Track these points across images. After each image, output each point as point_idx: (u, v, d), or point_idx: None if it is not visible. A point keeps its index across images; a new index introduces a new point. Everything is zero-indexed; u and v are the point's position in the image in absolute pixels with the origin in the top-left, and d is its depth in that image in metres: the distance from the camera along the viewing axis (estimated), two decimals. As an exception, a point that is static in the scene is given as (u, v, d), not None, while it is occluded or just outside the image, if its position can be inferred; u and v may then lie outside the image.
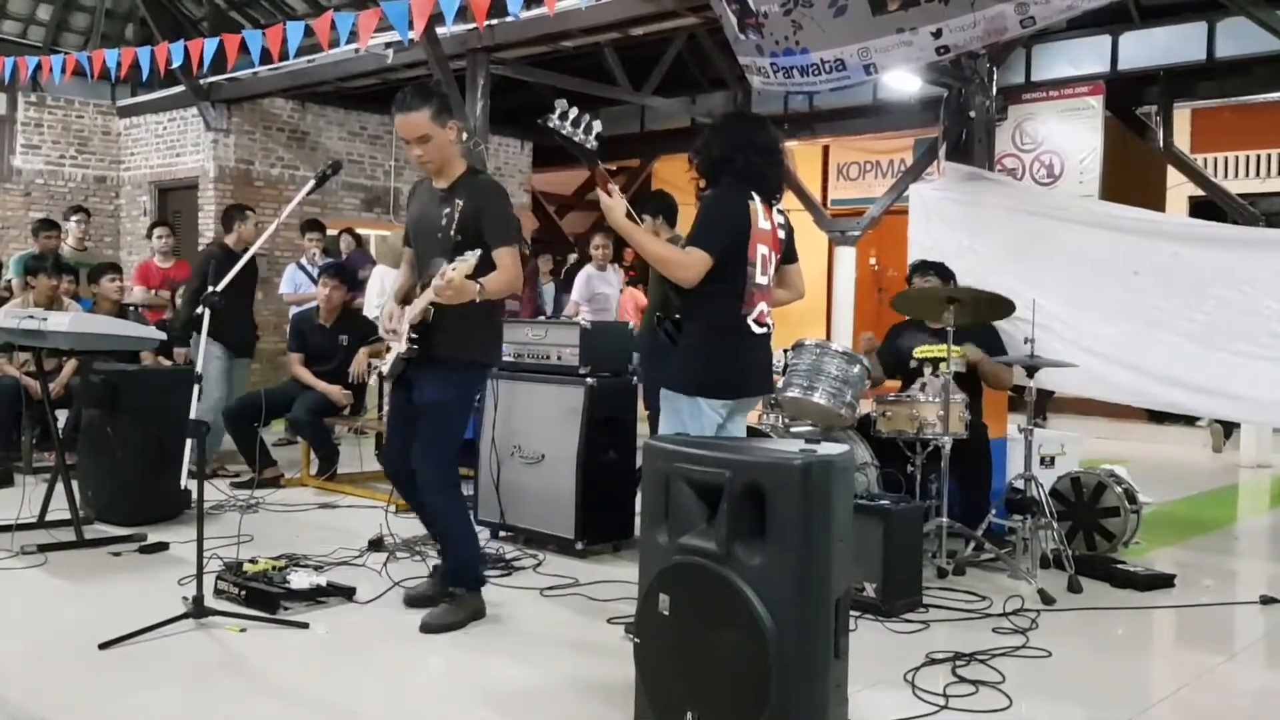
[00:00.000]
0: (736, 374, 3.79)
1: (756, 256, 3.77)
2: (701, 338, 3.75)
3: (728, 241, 3.70)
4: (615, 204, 3.66)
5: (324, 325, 7.10)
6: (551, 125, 3.55)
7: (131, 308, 7.92)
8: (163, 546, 5.14)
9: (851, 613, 3.20)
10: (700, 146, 3.90)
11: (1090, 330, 6.04)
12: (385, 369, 4.14)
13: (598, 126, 3.59)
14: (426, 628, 3.95)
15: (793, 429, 5.33)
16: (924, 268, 5.85)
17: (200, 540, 3.99)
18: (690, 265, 3.64)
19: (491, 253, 3.87)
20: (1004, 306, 5.25)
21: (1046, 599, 4.60)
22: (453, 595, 4.08)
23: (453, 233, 3.92)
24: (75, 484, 5.37)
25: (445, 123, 3.95)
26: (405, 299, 4.11)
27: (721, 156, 3.82)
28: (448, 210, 3.97)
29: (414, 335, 3.94)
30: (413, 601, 4.22)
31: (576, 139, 3.56)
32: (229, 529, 5.01)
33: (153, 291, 8.52)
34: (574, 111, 3.56)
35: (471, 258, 3.67)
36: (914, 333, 5.72)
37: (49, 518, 5.29)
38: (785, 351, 5.31)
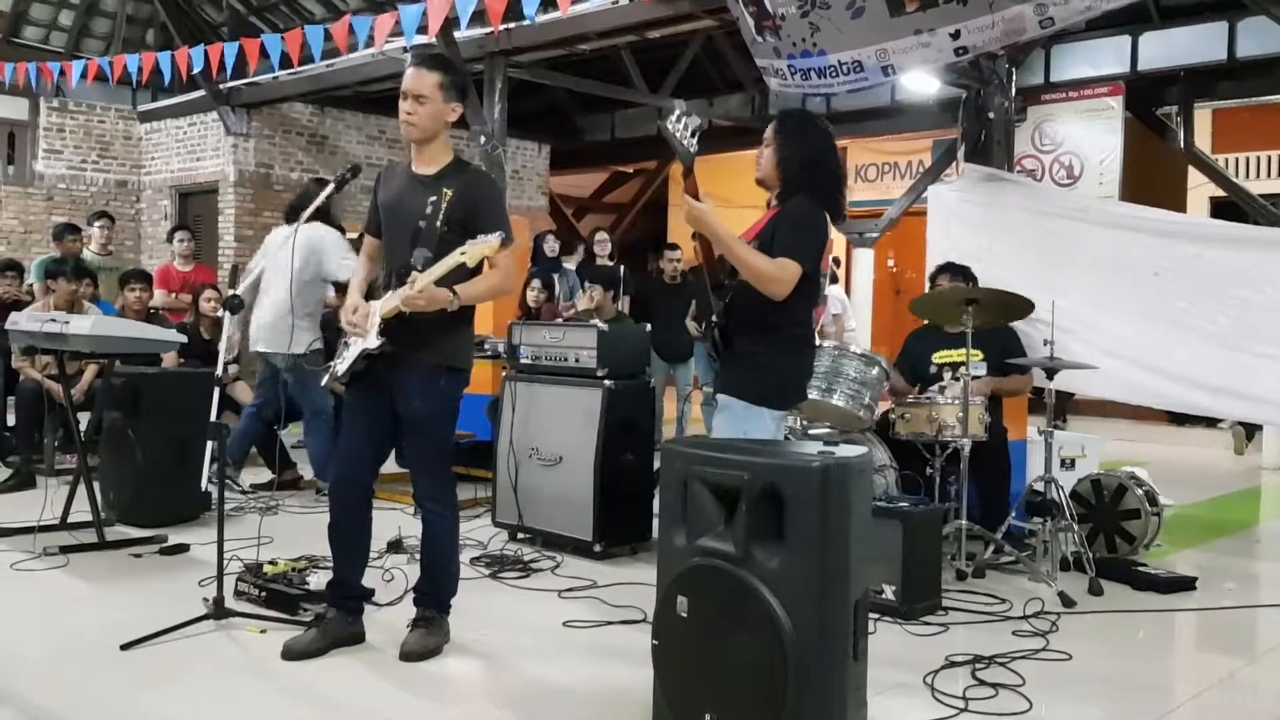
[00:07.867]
0: (797, 385, 3.69)
1: (827, 267, 3.71)
2: (778, 349, 3.59)
3: (818, 253, 3.56)
4: (709, 209, 3.46)
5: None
6: (668, 127, 3.40)
7: (152, 310, 7.97)
8: (183, 548, 5.18)
9: (870, 615, 3.19)
10: (785, 151, 3.62)
11: (1111, 332, 6.00)
12: (344, 366, 3.74)
13: (702, 126, 3.44)
14: (408, 656, 3.71)
15: (811, 431, 5.33)
16: (947, 270, 5.83)
17: (220, 542, 4.01)
18: (788, 280, 3.45)
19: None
20: (1022, 307, 5.22)
21: (1067, 601, 4.58)
22: (428, 620, 3.83)
23: (438, 224, 3.61)
24: (97, 486, 5.41)
25: (450, 99, 3.68)
26: (369, 292, 3.80)
27: (809, 161, 3.60)
28: (433, 199, 3.64)
29: (383, 331, 3.61)
30: (294, 654, 3.71)
31: (685, 142, 3.40)
32: (249, 531, 5.02)
33: (173, 295, 8.57)
34: (689, 118, 3.42)
35: (494, 239, 3.47)
36: (930, 340, 5.70)
37: (71, 519, 5.32)
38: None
